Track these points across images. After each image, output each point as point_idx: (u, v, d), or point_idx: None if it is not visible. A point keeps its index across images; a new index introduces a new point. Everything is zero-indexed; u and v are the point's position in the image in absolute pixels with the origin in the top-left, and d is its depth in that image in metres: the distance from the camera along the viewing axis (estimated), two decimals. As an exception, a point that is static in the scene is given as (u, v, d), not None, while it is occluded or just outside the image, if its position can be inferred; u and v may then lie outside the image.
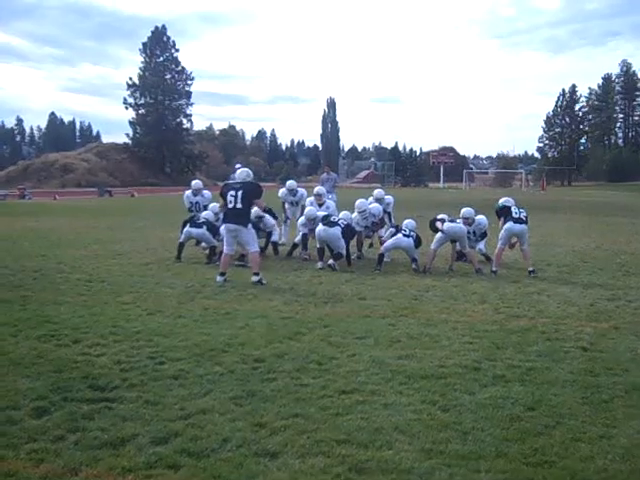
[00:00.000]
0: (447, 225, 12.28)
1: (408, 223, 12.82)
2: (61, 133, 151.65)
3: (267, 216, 13.57)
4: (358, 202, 13.76)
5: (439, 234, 12.31)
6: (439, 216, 12.80)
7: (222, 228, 11.52)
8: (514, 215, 12.18)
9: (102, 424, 4.73)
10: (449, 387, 5.60)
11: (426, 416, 4.92)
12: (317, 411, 5.01)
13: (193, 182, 16.23)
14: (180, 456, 4.21)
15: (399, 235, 12.41)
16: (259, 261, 11.20)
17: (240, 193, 10.89)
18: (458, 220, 12.58)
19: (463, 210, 13.01)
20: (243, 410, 5.03)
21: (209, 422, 4.78)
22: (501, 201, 12.86)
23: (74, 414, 4.92)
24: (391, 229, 13.37)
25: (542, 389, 5.57)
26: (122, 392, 5.43)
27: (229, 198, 10.94)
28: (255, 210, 12.19)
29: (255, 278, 10.69)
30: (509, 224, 12.08)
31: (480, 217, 13.37)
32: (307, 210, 13.69)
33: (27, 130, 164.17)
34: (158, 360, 6.33)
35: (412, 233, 12.49)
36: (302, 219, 13.71)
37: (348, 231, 12.46)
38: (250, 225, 11.23)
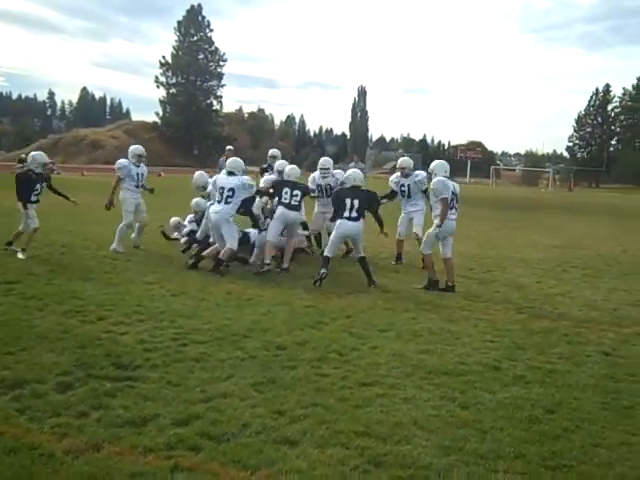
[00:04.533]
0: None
1: None
2: (92, 109, 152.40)
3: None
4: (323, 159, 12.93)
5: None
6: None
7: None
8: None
9: (124, 402, 4.82)
10: (469, 385, 5.61)
11: (445, 412, 4.94)
12: (337, 402, 5.05)
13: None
14: (200, 438, 4.27)
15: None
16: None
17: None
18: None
19: (400, 159, 12.80)
20: (263, 396, 5.09)
21: (229, 406, 4.84)
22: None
23: (97, 391, 5.01)
24: None
25: (562, 392, 5.56)
26: (145, 372, 5.52)
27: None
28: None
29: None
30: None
31: (421, 171, 12.54)
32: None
33: (58, 104, 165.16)
34: (181, 342, 6.42)
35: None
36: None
37: None
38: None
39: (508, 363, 6.30)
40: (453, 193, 10.02)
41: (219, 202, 10.53)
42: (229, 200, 10.50)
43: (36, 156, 11.17)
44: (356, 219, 10.07)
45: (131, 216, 11.96)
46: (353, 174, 10.62)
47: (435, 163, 10.58)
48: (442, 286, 9.91)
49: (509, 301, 9.30)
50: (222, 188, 10.56)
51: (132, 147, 12.70)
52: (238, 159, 11.25)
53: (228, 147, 17.17)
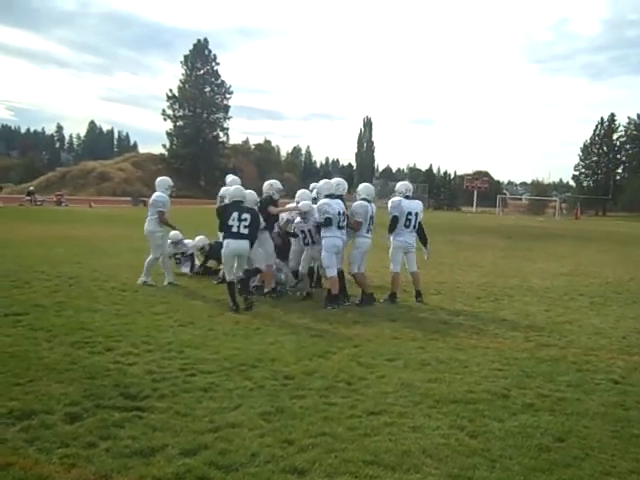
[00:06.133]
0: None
1: None
2: (99, 142, 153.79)
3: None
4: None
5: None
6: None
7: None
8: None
9: (133, 433, 4.81)
10: (478, 413, 5.58)
11: (454, 441, 4.92)
12: (345, 431, 5.03)
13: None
14: (209, 468, 4.26)
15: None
16: None
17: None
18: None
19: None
20: (272, 426, 5.07)
21: (238, 436, 4.82)
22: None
23: (106, 421, 5.01)
24: None
25: (572, 420, 5.53)
26: (153, 402, 5.51)
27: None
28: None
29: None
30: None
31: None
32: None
33: (66, 137, 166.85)
34: (189, 372, 6.41)
35: None
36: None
37: None
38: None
39: (517, 391, 6.27)
40: (371, 217, 10.98)
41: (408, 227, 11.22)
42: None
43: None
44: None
45: (161, 249, 11.92)
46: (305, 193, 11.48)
47: (360, 187, 11.41)
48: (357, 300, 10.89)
49: (517, 329, 9.26)
50: (411, 213, 11.26)
51: (163, 178, 12.45)
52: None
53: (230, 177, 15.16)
